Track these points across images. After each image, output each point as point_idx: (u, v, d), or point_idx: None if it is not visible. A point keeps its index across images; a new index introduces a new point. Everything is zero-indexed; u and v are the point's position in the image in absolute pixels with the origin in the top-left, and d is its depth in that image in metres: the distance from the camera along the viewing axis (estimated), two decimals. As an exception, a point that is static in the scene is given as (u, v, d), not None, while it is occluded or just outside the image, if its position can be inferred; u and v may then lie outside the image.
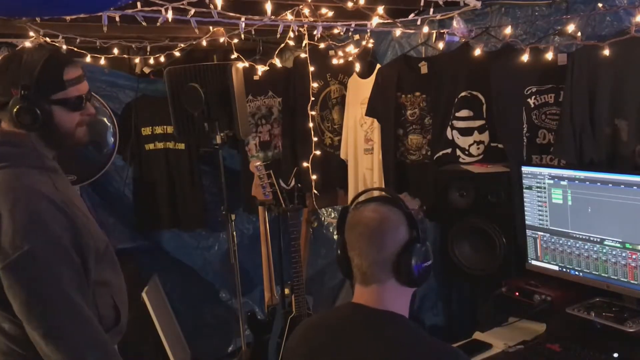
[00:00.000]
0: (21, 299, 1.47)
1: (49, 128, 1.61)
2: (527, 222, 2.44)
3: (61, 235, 1.51)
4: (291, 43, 3.02)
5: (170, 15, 2.10)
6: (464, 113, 2.82)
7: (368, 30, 2.93)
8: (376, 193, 1.44)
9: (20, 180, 1.55)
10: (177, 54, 3.14)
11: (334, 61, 3.35)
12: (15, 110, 1.56)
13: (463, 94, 2.81)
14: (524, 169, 2.44)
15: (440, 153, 2.90)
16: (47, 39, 2.79)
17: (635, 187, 2.03)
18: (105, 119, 3.31)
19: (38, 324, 1.47)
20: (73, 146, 1.72)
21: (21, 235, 1.46)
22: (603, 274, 2.17)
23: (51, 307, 1.48)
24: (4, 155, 1.58)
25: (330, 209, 4.01)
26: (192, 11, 2.10)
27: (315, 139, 3.35)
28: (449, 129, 2.85)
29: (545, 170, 2.35)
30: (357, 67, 3.31)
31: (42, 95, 1.58)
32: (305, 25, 2.72)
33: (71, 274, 1.52)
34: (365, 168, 3.39)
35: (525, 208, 2.43)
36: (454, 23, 2.54)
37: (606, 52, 2.12)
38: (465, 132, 2.83)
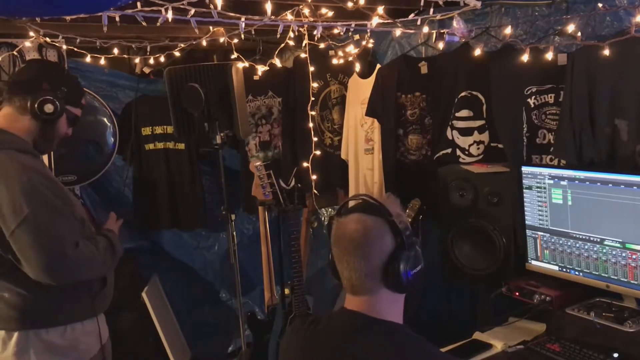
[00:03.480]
0: (29, 258, 1.73)
1: (51, 126, 1.95)
2: (527, 222, 2.43)
3: (53, 199, 1.80)
4: (291, 43, 3.02)
5: (170, 15, 2.09)
6: (464, 113, 2.82)
7: (368, 30, 2.92)
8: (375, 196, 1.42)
9: (11, 159, 1.81)
10: (177, 54, 3.14)
11: (334, 61, 3.35)
12: (42, 99, 1.89)
13: (463, 94, 2.81)
14: (524, 169, 2.44)
15: (440, 153, 2.90)
16: (47, 39, 2.79)
17: (635, 187, 2.03)
18: (105, 119, 3.31)
19: (42, 275, 1.74)
20: (46, 150, 2.09)
21: (19, 203, 1.74)
22: (603, 274, 2.17)
23: (55, 261, 1.75)
24: None
25: (330, 209, 4.01)
26: (192, 11, 2.10)
27: (315, 139, 3.35)
28: (449, 129, 2.85)
29: (545, 170, 2.35)
30: (357, 67, 3.31)
31: (67, 100, 1.97)
32: (305, 25, 2.72)
33: (70, 227, 1.82)
34: (365, 168, 3.39)
35: (525, 208, 2.43)
36: (454, 23, 2.53)
37: (606, 52, 2.12)
38: (465, 132, 2.83)
